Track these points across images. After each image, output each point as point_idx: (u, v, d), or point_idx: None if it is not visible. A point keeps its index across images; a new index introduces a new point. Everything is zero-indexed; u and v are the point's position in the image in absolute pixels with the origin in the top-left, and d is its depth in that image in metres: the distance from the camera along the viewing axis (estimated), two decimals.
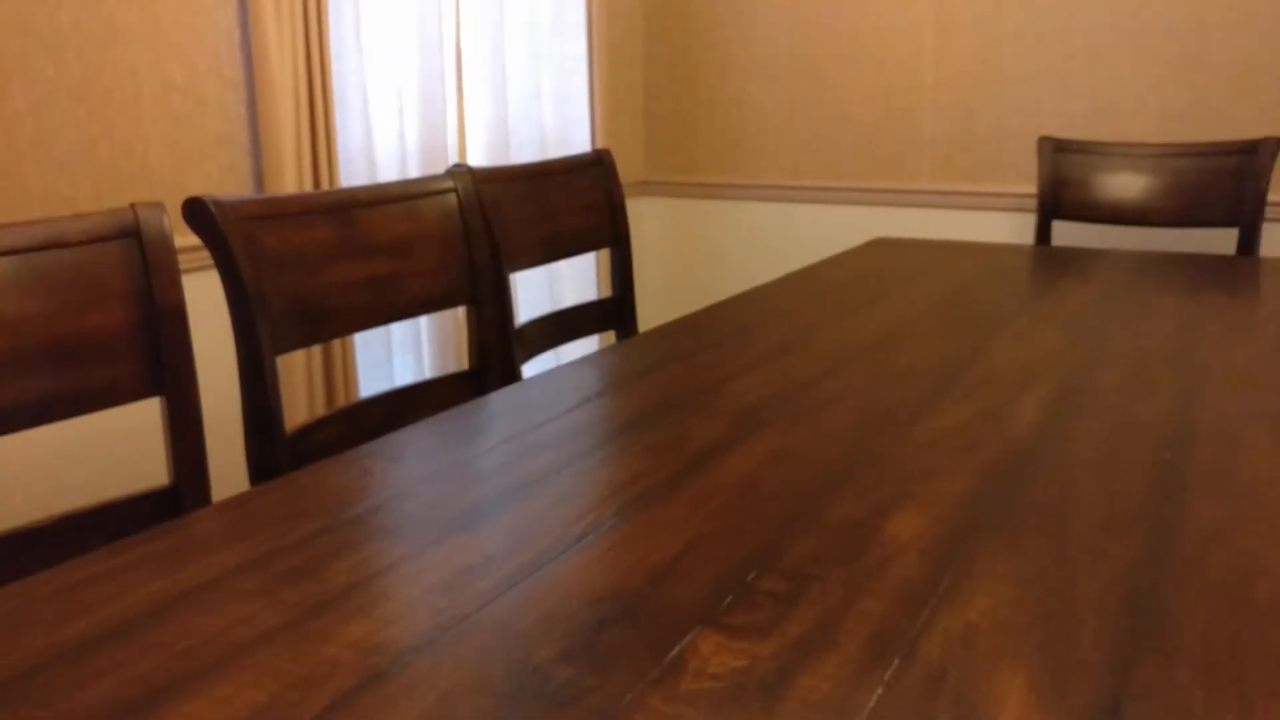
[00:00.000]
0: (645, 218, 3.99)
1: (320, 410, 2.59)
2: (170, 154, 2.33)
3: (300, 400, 2.55)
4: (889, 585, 0.84)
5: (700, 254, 3.98)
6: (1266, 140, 2.73)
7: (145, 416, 1.46)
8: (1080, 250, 2.52)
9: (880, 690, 0.70)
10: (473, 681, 0.72)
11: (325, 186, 2.57)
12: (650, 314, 3.83)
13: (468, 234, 1.80)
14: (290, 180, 2.48)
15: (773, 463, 1.13)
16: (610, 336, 2.53)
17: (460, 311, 2.69)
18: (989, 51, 3.36)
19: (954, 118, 3.45)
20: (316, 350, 2.57)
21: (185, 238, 1.48)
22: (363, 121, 2.75)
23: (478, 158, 3.17)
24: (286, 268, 1.48)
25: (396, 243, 1.67)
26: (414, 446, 1.22)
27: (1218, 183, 2.80)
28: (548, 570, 0.89)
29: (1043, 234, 2.96)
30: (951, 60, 3.42)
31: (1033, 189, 3.12)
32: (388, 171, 2.84)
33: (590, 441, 1.21)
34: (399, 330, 2.99)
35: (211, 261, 1.41)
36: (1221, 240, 2.85)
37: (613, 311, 2.38)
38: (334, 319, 1.56)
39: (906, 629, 0.78)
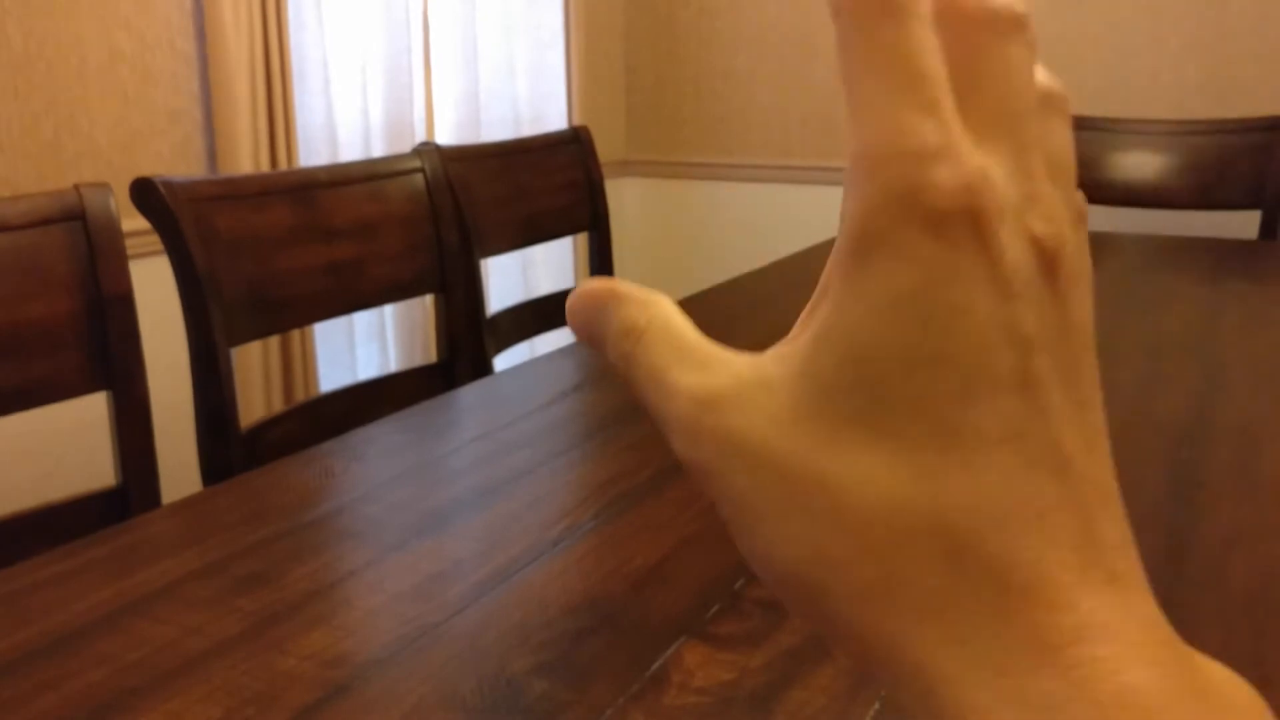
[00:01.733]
0: (626, 199, 3.99)
1: (278, 406, 2.58)
2: (117, 131, 2.32)
3: (256, 395, 2.54)
4: None
5: (685, 238, 3.98)
6: None
7: (90, 412, 1.46)
8: (1091, 234, 2.52)
9: (877, 705, 0.70)
10: (441, 695, 0.72)
11: (283, 166, 2.56)
12: None
13: (435, 217, 1.80)
14: (246, 159, 2.47)
15: None
16: None
17: (428, 300, 2.69)
18: None
19: None
20: (274, 341, 2.56)
21: (133, 220, 1.47)
22: (323, 97, 2.74)
23: (446, 135, 3.17)
24: (242, 253, 1.48)
25: (359, 226, 1.67)
26: (378, 444, 1.21)
27: (1238, 162, 2.81)
28: (522, 577, 0.89)
29: None
30: None
31: None
32: (350, 150, 2.83)
33: (567, 439, 1.21)
34: (362, 320, 2.99)
35: (161, 246, 1.40)
36: (1242, 223, 2.86)
37: None
38: (292, 308, 1.56)
39: None
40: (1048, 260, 0.23)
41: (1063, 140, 0.26)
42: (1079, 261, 0.25)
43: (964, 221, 0.22)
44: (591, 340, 0.29)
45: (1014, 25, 0.25)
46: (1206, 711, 0.22)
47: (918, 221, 0.22)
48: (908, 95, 0.23)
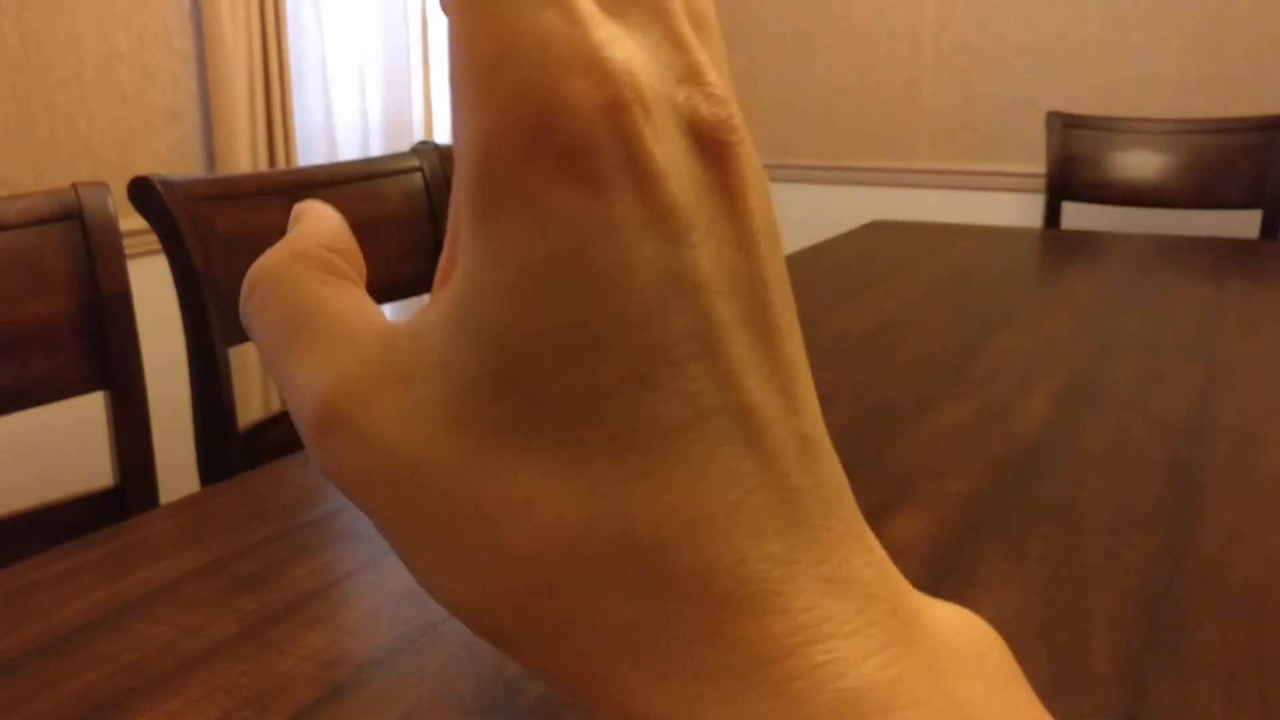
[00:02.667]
0: None
1: (276, 405, 2.58)
2: (115, 130, 2.32)
3: (255, 394, 2.54)
4: None
5: None
6: None
7: (88, 412, 1.46)
8: (1091, 234, 2.52)
9: None
10: (440, 696, 0.72)
11: (281, 165, 2.56)
12: None
13: (434, 216, 1.80)
14: (244, 159, 2.47)
15: None
16: None
17: (427, 299, 2.69)
18: (994, 20, 3.37)
19: (956, 91, 3.46)
20: None
21: (131, 220, 1.47)
22: (322, 96, 2.74)
23: (445, 134, 3.17)
24: (239, 252, 1.48)
25: (358, 226, 1.65)
26: None
27: (1239, 161, 2.82)
28: None
29: (1051, 216, 2.97)
30: (954, 29, 3.43)
31: (1041, 168, 3.13)
32: (348, 149, 2.83)
33: None
34: None
35: (159, 245, 1.40)
36: (1243, 223, 2.87)
37: None
38: None
39: None
40: (717, 156, 0.19)
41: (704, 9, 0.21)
42: (750, 148, 0.20)
43: (612, 149, 0.18)
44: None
45: None
46: (937, 692, 0.19)
47: (551, 158, 0.18)
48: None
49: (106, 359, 1.30)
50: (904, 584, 0.20)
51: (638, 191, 0.18)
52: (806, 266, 2.15)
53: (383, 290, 1.71)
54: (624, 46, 0.19)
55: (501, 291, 0.18)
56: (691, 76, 0.20)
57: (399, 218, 1.74)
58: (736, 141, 0.20)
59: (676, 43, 0.19)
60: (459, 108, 0.19)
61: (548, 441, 0.18)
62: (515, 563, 0.18)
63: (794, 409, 0.20)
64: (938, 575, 0.87)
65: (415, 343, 0.20)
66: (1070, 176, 2.97)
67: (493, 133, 0.18)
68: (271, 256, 0.23)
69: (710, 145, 0.19)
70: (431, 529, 0.19)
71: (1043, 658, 0.75)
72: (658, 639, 0.18)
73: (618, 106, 0.18)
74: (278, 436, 1.51)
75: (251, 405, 2.52)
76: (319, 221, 0.24)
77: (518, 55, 0.18)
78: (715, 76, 0.20)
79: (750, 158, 0.20)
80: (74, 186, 1.30)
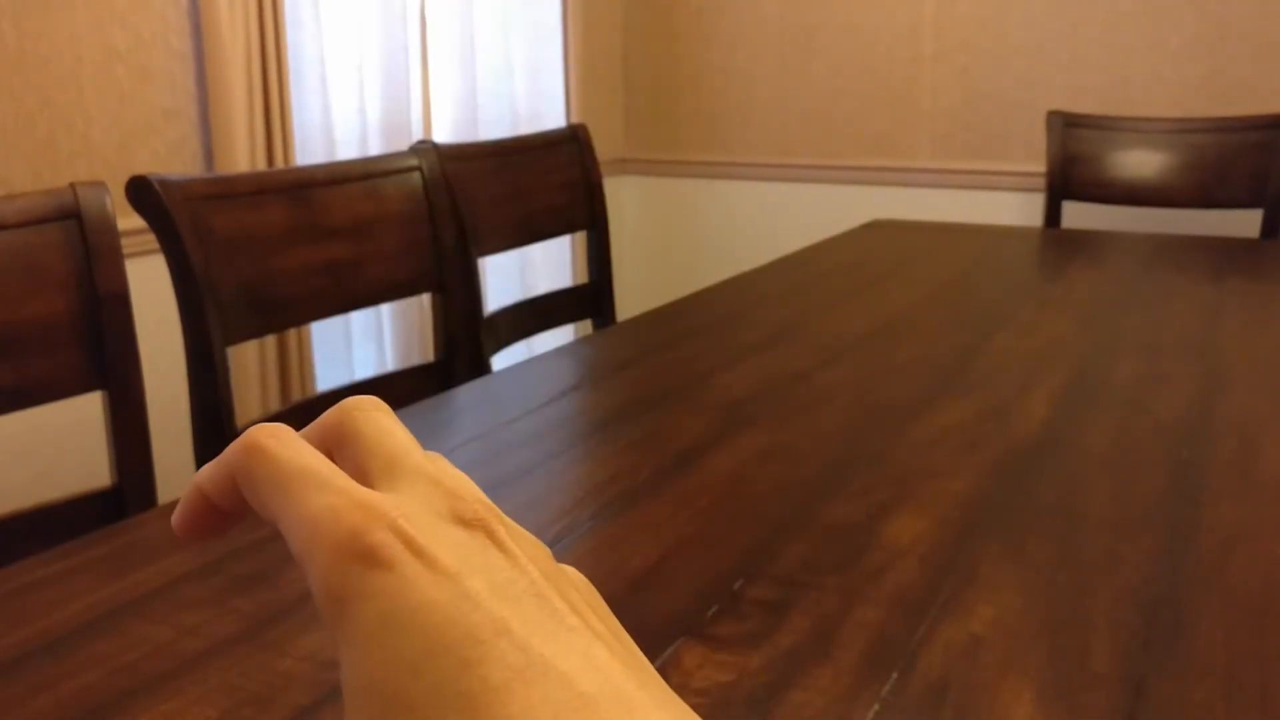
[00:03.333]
0: (624, 198, 3.99)
1: (274, 405, 2.58)
2: (113, 129, 2.32)
3: (253, 394, 2.54)
4: (887, 593, 0.85)
5: (683, 237, 3.98)
6: None
7: (86, 412, 1.46)
8: (1092, 233, 2.53)
9: (878, 706, 0.70)
10: None
11: (280, 165, 2.56)
12: (629, 302, 3.83)
13: (433, 216, 1.80)
14: (242, 158, 2.47)
15: (762, 461, 1.13)
16: (587, 326, 2.53)
17: (425, 299, 2.69)
18: (994, 18, 3.37)
19: (956, 90, 3.46)
20: (270, 341, 2.56)
21: (129, 219, 1.47)
22: (320, 95, 2.74)
23: (444, 134, 3.17)
24: (238, 252, 1.48)
25: (356, 225, 1.67)
26: None
27: (1240, 160, 2.82)
28: None
29: (1052, 215, 2.97)
30: (954, 28, 3.43)
31: (1041, 167, 3.13)
32: (347, 149, 2.83)
33: (565, 439, 1.21)
34: (359, 319, 2.99)
35: (157, 245, 1.40)
36: (1244, 222, 2.87)
37: (589, 299, 2.38)
38: (289, 307, 1.56)
39: (906, 640, 0.78)
40: (479, 526, 0.29)
41: (454, 472, 0.32)
42: (507, 521, 0.30)
43: (387, 540, 0.27)
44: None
45: (371, 405, 0.34)
46: None
47: (359, 561, 0.27)
48: (307, 486, 0.29)
49: (104, 359, 1.30)
50: None
51: (418, 558, 0.27)
52: (806, 266, 2.15)
53: (382, 288, 1.71)
54: (383, 492, 0.30)
55: (366, 658, 0.26)
56: (446, 490, 0.30)
57: (397, 217, 1.74)
58: (486, 512, 0.30)
59: (430, 477, 0.31)
60: (305, 564, 0.29)
61: None
62: None
63: (586, 658, 0.27)
64: (938, 575, 0.87)
65: None
66: (1070, 176, 2.97)
67: (323, 563, 0.28)
68: None
69: (469, 521, 0.29)
70: None
71: (1043, 657, 0.75)
72: None
73: (378, 513, 0.28)
74: None
75: (250, 405, 2.52)
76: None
77: (322, 522, 0.28)
78: (463, 485, 0.31)
79: (506, 522, 0.30)
80: (72, 186, 1.30)
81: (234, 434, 1.43)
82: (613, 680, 0.26)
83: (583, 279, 2.70)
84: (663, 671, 0.74)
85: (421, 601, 0.26)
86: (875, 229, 2.62)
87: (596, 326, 2.41)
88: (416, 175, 1.79)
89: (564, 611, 0.28)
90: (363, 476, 0.31)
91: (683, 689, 0.72)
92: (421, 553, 0.27)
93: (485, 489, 1.06)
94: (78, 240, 1.29)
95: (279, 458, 0.31)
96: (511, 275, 3.42)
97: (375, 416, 0.33)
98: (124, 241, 1.34)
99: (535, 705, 0.25)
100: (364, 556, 0.27)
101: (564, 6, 3.50)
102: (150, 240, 1.42)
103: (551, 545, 0.94)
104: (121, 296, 1.31)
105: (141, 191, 1.38)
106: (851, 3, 3.55)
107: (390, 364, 3.03)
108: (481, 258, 2.00)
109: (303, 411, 1.57)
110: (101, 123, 2.29)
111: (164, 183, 1.39)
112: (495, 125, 3.32)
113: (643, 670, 0.28)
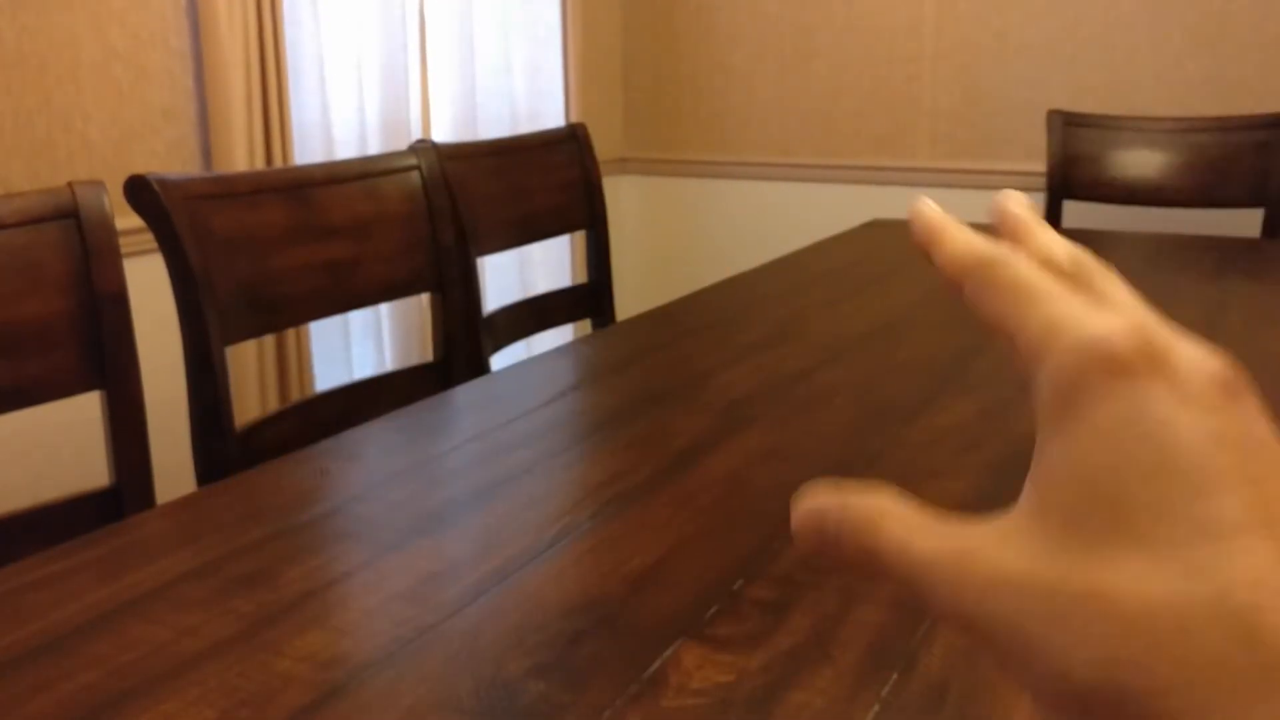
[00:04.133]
0: (623, 197, 3.99)
1: (273, 405, 2.58)
2: (111, 129, 2.32)
3: (251, 394, 2.54)
4: (887, 593, 0.85)
5: (682, 236, 3.98)
6: None
7: (84, 412, 1.46)
8: (1093, 232, 2.52)
9: (877, 707, 0.70)
10: (437, 698, 0.72)
11: (278, 164, 2.56)
12: (629, 301, 3.83)
13: (432, 215, 1.80)
14: (240, 157, 2.47)
15: (762, 461, 1.13)
16: (586, 325, 2.53)
17: (424, 298, 2.69)
18: (995, 17, 3.37)
19: (956, 89, 3.46)
20: (269, 340, 2.56)
21: (127, 219, 1.47)
22: (319, 94, 2.74)
23: (443, 133, 3.17)
24: (236, 251, 1.48)
25: (355, 224, 1.67)
26: (374, 444, 1.21)
27: (1241, 160, 2.82)
28: (518, 578, 0.89)
29: (1052, 215, 2.97)
30: (954, 27, 3.43)
31: (1041, 167, 3.13)
32: (346, 148, 2.83)
33: (564, 439, 1.21)
34: (358, 319, 2.98)
35: (156, 245, 1.40)
36: (1245, 222, 2.87)
37: (588, 298, 2.38)
38: (287, 306, 1.56)
39: (906, 640, 0.78)
40: (1220, 384, 0.28)
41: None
42: (1247, 385, 0.29)
43: (1146, 361, 0.27)
44: (824, 549, 0.32)
45: (1037, 223, 0.35)
46: None
47: (1104, 362, 0.27)
48: (1055, 297, 0.30)
49: (103, 358, 1.30)
50: None
51: (1172, 383, 0.27)
52: (806, 266, 2.15)
53: (381, 287, 1.71)
54: (1147, 316, 0.31)
55: (1084, 447, 0.27)
56: (1190, 344, 0.30)
57: (396, 216, 1.74)
58: (1233, 375, 0.28)
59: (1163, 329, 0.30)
60: (1037, 369, 0.29)
61: (1139, 543, 0.25)
62: (1137, 629, 0.24)
63: None
64: None
65: (1007, 516, 0.29)
66: (1071, 175, 2.97)
67: (1067, 364, 0.28)
68: (874, 500, 0.32)
69: (1215, 378, 0.28)
70: (1059, 623, 0.25)
71: None
72: (1259, 691, 0.23)
73: (1145, 335, 0.28)
74: (274, 437, 1.51)
75: (248, 405, 2.52)
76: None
77: (1072, 329, 0.29)
78: (1201, 349, 0.30)
79: (1247, 387, 0.28)
80: (70, 185, 1.30)
81: (232, 434, 1.43)
82: None
83: (582, 278, 2.70)
84: (663, 671, 0.74)
85: (1167, 418, 0.26)
86: (875, 229, 2.62)
87: (596, 326, 2.41)
88: (415, 175, 1.79)
89: None
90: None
91: (682, 689, 0.72)
92: (1170, 375, 0.27)
93: (485, 489, 1.06)
94: (76, 240, 1.29)
95: (1023, 268, 0.32)
96: (510, 275, 3.42)
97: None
98: (122, 241, 1.34)
99: (1273, 553, 0.24)
100: (1109, 360, 0.27)
101: (564, 6, 3.50)
102: (149, 240, 1.42)
103: (550, 546, 0.94)
104: (120, 296, 1.31)
105: (140, 191, 1.38)
106: (851, 2, 3.55)
107: (389, 364, 3.03)
108: (480, 257, 2.00)
109: (301, 412, 1.57)
110: (100, 122, 2.29)
111: (162, 182, 1.39)
112: (494, 124, 3.32)
113: None
